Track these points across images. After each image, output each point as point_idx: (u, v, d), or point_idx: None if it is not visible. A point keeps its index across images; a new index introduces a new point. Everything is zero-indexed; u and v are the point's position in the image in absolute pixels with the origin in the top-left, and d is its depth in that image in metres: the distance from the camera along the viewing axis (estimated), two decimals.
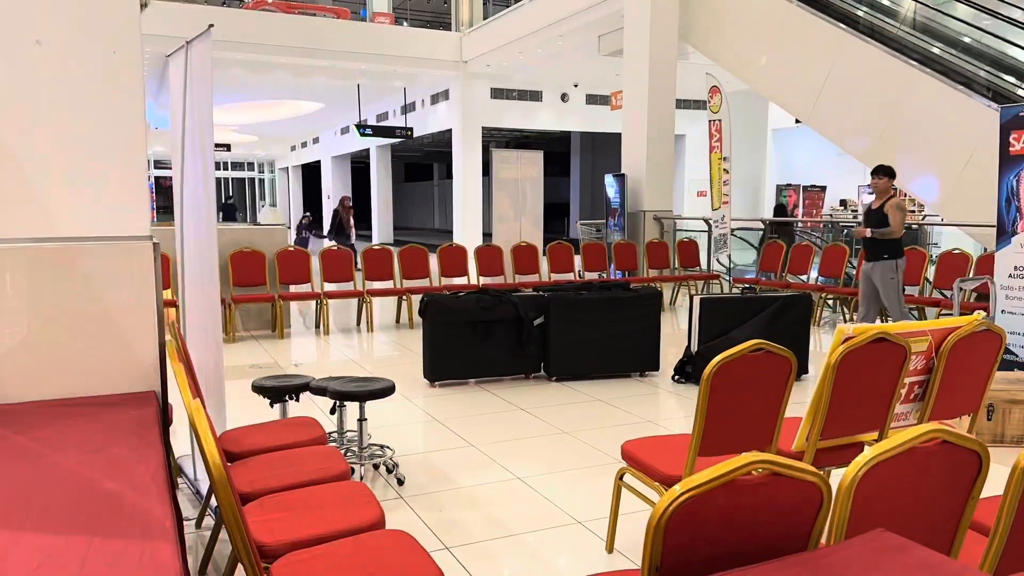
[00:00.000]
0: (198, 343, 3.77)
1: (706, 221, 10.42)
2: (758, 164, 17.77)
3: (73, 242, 2.71)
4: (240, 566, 2.05)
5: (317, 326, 8.29)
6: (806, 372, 5.99)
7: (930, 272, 7.94)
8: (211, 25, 3.41)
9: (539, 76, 17.64)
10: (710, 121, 9.85)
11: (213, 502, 3.26)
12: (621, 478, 3.14)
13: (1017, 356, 5.55)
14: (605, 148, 25.11)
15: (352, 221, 14.58)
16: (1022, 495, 1.63)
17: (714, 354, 2.70)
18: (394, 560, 2.02)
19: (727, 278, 10.27)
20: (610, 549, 3.14)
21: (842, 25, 8.61)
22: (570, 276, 9.46)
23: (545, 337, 5.89)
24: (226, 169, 37.17)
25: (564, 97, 19.54)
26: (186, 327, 4.02)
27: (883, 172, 6.56)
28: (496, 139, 25.55)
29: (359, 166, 29.99)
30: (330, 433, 4.16)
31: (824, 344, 7.45)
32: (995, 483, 1.78)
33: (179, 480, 3.72)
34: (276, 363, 6.59)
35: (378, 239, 24.15)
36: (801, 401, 5.12)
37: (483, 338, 5.74)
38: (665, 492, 2.78)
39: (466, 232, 17.27)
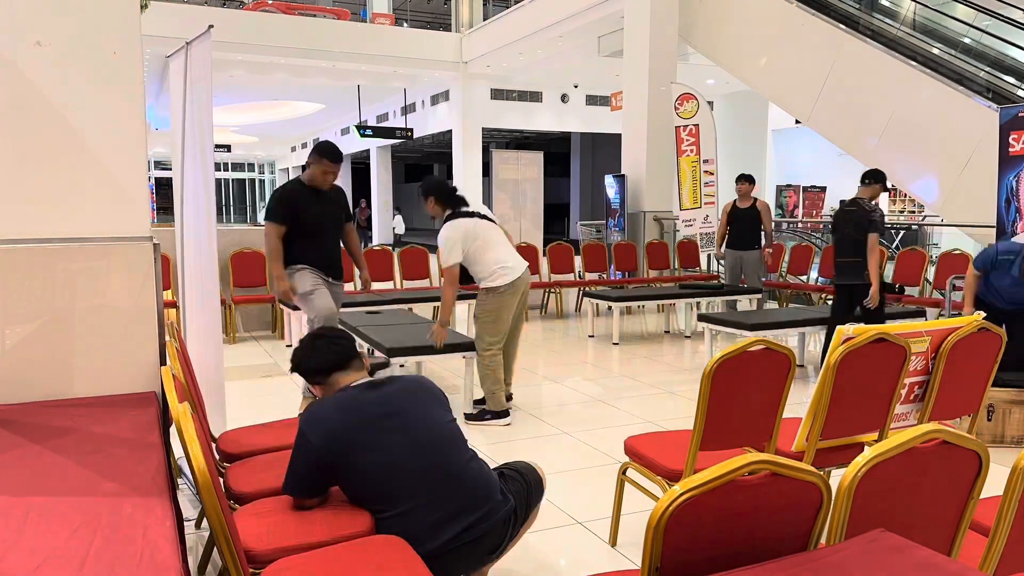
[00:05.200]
0: (198, 344, 3.77)
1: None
2: (758, 164, 17.74)
3: (73, 242, 2.71)
4: None
5: None
6: None
7: (930, 272, 7.94)
8: (211, 26, 3.42)
9: (539, 77, 17.65)
10: (679, 127, 9.85)
11: None
12: (624, 472, 3.15)
13: None
14: (605, 148, 25.10)
15: None
16: (1022, 495, 1.63)
17: None
18: (387, 566, 2.01)
19: (724, 280, 10.24)
20: (613, 543, 3.15)
21: (842, 25, 8.61)
22: (570, 276, 9.47)
23: None
24: (226, 170, 37.17)
25: (564, 98, 19.55)
26: (186, 328, 4.02)
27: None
28: (496, 140, 25.56)
29: (359, 167, 30.00)
30: None
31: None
32: (995, 483, 1.78)
33: (179, 480, 3.72)
34: (277, 364, 6.59)
35: (378, 240, 24.16)
36: (801, 401, 5.12)
37: None
38: (667, 486, 2.79)
39: None
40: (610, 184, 10.72)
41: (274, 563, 2.04)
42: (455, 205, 4.71)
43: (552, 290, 9.34)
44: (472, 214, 4.69)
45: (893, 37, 8.53)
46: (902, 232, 13.84)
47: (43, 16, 2.62)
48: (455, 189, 4.82)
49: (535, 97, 19.30)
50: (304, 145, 32.08)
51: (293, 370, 2.50)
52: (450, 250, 4.57)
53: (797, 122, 13.93)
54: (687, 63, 12.38)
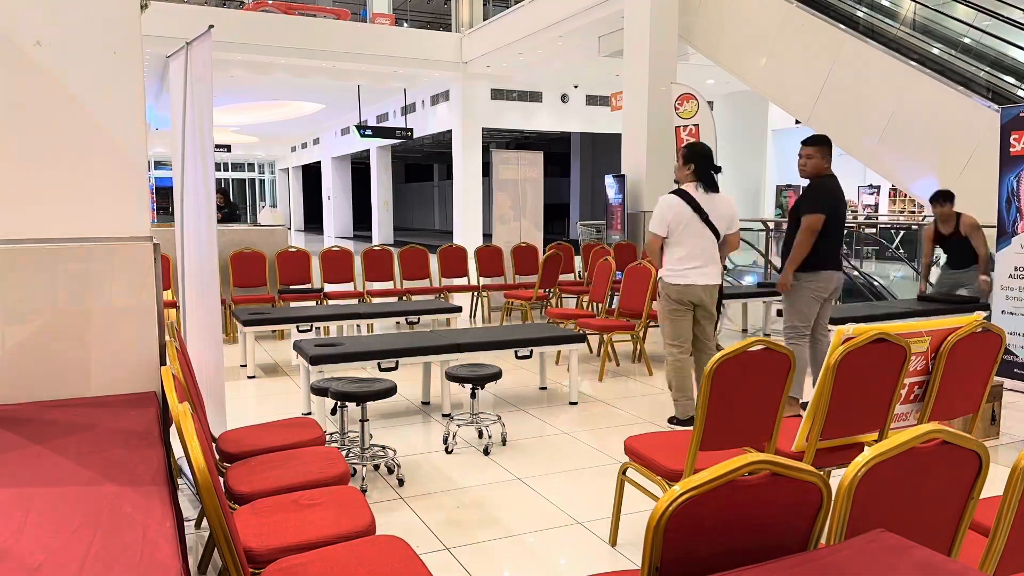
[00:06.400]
0: (198, 344, 3.77)
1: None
2: (758, 164, 17.76)
3: (73, 242, 2.71)
4: None
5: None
6: None
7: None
8: (211, 26, 3.41)
9: (539, 77, 17.64)
10: (679, 127, 9.85)
11: None
12: (624, 473, 3.15)
13: (1017, 356, 5.55)
14: (605, 149, 25.11)
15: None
16: (1022, 495, 1.63)
17: None
18: (387, 567, 2.01)
19: (728, 278, 10.24)
20: (613, 543, 3.15)
21: (842, 25, 8.61)
22: (571, 276, 9.46)
23: None
24: (226, 170, 37.18)
25: (564, 98, 19.54)
26: (186, 328, 4.02)
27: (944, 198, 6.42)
28: (496, 140, 25.57)
29: (359, 167, 30.00)
30: (331, 434, 4.16)
31: None
32: (995, 483, 1.78)
33: (179, 480, 3.72)
34: (277, 364, 6.59)
35: (378, 240, 24.16)
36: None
37: None
38: (667, 486, 2.79)
39: (466, 233, 17.28)
40: (610, 184, 10.72)
41: (274, 563, 2.04)
42: (698, 178, 4.64)
43: (552, 290, 9.35)
44: (686, 197, 4.59)
45: (893, 37, 8.52)
46: (902, 232, 13.84)
47: (43, 16, 2.62)
48: (710, 164, 4.69)
49: (535, 97, 19.30)
50: (304, 145, 32.04)
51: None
52: (653, 218, 4.67)
53: (797, 122, 13.94)
54: (687, 63, 12.38)
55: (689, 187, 4.62)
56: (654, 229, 4.64)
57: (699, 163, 4.62)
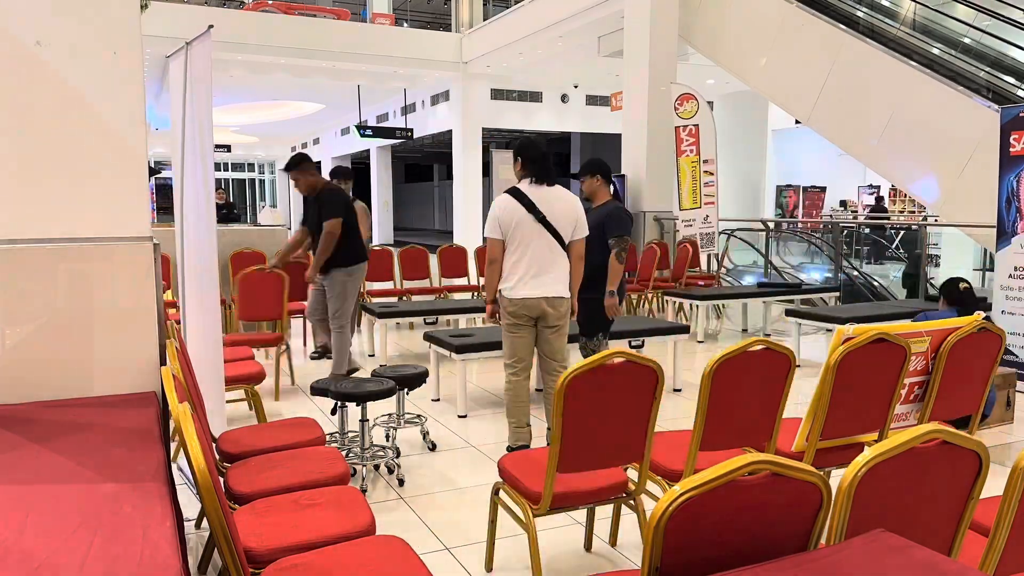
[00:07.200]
0: (198, 344, 3.77)
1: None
2: (758, 165, 17.76)
3: (73, 242, 2.71)
4: None
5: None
6: None
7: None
8: (211, 26, 3.41)
9: (539, 77, 17.65)
10: (679, 127, 9.84)
11: None
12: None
13: (1017, 356, 5.55)
14: (605, 149, 25.10)
15: None
16: (1022, 495, 1.63)
17: None
18: (387, 566, 2.01)
19: (728, 279, 10.25)
20: (614, 543, 3.15)
21: (842, 25, 8.61)
22: None
23: None
24: (226, 170, 37.15)
25: (564, 98, 19.55)
26: (186, 328, 4.02)
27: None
28: (496, 140, 25.56)
29: (359, 167, 29.99)
30: (332, 434, 4.16)
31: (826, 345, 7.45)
32: (995, 483, 1.78)
33: (179, 480, 3.72)
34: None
35: (378, 240, 24.17)
36: (801, 401, 5.11)
37: None
38: (667, 486, 2.79)
39: (466, 233, 17.28)
40: None
41: (274, 563, 2.04)
42: (533, 174, 4.04)
43: None
44: (522, 197, 3.98)
45: (893, 37, 8.53)
46: (902, 232, 13.85)
47: (43, 16, 2.62)
48: (545, 156, 4.08)
49: (535, 97, 19.30)
50: (304, 145, 32.07)
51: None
52: (487, 223, 4.10)
53: (797, 122, 13.93)
54: (687, 63, 12.38)
55: (522, 184, 4.03)
56: (487, 232, 4.06)
57: (525, 155, 4.04)
